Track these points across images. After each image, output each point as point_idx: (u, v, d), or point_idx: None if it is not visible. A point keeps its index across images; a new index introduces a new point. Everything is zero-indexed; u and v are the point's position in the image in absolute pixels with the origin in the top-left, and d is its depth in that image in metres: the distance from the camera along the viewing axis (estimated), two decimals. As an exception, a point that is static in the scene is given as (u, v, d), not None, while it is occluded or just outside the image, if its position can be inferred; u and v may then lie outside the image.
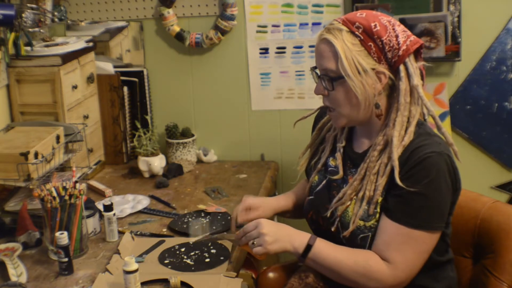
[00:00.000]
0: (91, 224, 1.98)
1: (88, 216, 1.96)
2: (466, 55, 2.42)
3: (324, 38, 1.53)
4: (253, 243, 1.59)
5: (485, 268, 1.66)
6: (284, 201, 1.89)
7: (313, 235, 1.58)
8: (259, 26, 2.63)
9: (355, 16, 1.53)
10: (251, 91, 2.70)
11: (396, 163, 1.48)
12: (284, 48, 2.63)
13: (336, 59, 1.51)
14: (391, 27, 1.52)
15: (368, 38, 1.50)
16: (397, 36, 1.51)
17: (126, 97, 2.73)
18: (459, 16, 2.38)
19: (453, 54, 2.42)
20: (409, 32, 1.55)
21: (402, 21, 2.38)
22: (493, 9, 2.39)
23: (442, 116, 2.50)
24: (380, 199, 1.53)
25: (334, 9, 2.53)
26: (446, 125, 2.50)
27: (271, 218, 1.83)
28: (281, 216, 1.94)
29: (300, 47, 2.60)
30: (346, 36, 1.51)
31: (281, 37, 2.62)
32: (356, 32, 1.50)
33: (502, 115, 2.46)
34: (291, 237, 1.57)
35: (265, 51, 2.64)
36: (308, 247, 1.55)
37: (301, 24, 2.59)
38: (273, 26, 2.62)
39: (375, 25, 1.50)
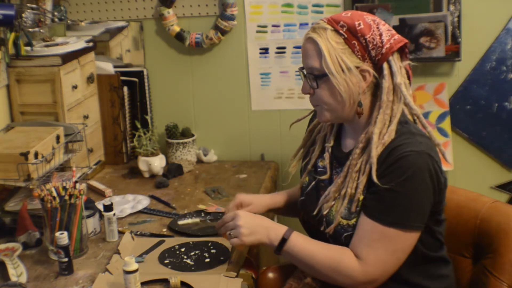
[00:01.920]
0: (91, 224, 1.98)
1: (88, 216, 1.96)
2: (466, 55, 2.42)
3: (309, 37, 1.55)
4: (229, 234, 1.61)
5: (485, 268, 1.66)
6: (278, 198, 1.90)
7: (290, 228, 1.59)
8: (259, 26, 2.63)
9: (340, 16, 1.55)
10: (251, 91, 2.70)
11: (374, 160, 1.48)
12: (284, 48, 2.63)
13: (320, 57, 1.52)
14: (375, 26, 1.52)
15: (352, 36, 1.51)
16: (381, 35, 1.51)
17: (126, 97, 2.73)
18: (459, 16, 2.38)
19: (453, 54, 2.42)
20: (393, 31, 1.56)
21: (402, 21, 2.39)
22: (493, 9, 2.39)
23: (442, 116, 2.50)
24: (361, 197, 1.53)
25: (334, 9, 2.53)
26: (446, 125, 2.50)
27: (271, 217, 1.83)
28: (276, 213, 1.95)
29: (300, 47, 2.59)
30: (331, 34, 1.52)
31: (281, 37, 2.62)
32: (340, 31, 1.51)
33: (502, 115, 2.46)
34: (267, 230, 1.59)
35: (265, 51, 2.64)
36: (283, 240, 1.56)
37: (301, 24, 2.59)
38: (273, 26, 2.62)
39: (359, 24, 1.51)
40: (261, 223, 1.61)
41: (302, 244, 1.56)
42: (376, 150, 1.50)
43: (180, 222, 2.04)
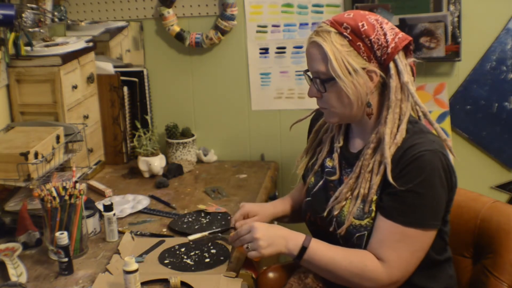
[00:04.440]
0: (91, 224, 1.98)
1: (88, 216, 1.96)
2: (466, 55, 2.42)
3: (314, 41, 1.54)
4: (247, 247, 1.59)
5: (485, 268, 1.66)
6: (281, 206, 1.89)
7: (308, 235, 1.58)
8: (259, 26, 2.63)
9: (342, 17, 1.54)
10: (251, 91, 2.70)
11: (388, 161, 1.49)
12: (284, 48, 2.63)
13: (326, 61, 1.51)
14: (379, 26, 1.52)
15: (357, 38, 1.51)
16: (385, 34, 1.51)
17: (126, 97, 2.73)
18: (459, 16, 2.38)
19: (453, 54, 2.42)
20: (397, 30, 1.56)
21: (402, 21, 2.39)
22: (493, 9, 2.39)
23: (442, 116, 2.50)
24: (375, 197, 1.53)
25: (334, 9, 2.53)
26: (446, 125, 2.50)
27: (271, 223, 1.83)
28: (280, 221, 1.94)
29: (300, 47, 2.60)
30: (335, 37, 1.51)
31: (281, 37, 2.62)
32: (344, 33, 1.51)
33: (502, 115, 2.46)
34: (285, 240, 1.57)
35: (265, 51, 2.64)
36: (303, 248, 1.55)
37: (301, 24, 2.59)
38: (273, 26, 2.62)
39: (363, 25, 1.51)
40: (278, 234, 1.58)
41: (322, 251, 1.54)
42: (389, 151, 1.50)
43: (191, 238, 1.88)
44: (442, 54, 2.39)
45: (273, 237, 1.57)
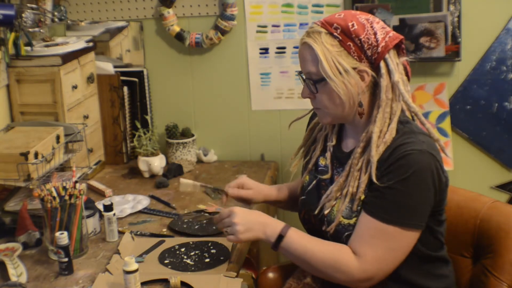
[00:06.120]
0: (91, 224, 1.98)
1: (88, 216, 1.96)
2: (466, 55, 2.42)
3: (305, 42, 1.55)
4: (226, 231, 1.62)
5: (485, 268, 1.66)
6: (277, 191, 1.91)
7: (287, 224, 1.59)
8: (259, 26, 2.63)
9: (333, 17, 1.55)
10: (251, 91, 2.70)
11: (373, 159, 1.49)
12: (284, 48, 2.63)
13: (317, 62, 1.52)
14: (369, 25, 1.52)
15: (347, 38, 1.51)
16: (375, 33, 1.51)
17: (126, 97, 2.73)
18: (459, 16, 2.38)
19: (453, 54, 2.42)
20: (388, 29, 1.55)
21: (402, 21, 2.39)
22: (493, 9, 2.39)
23: (442, 116, 2.50)
24: (362, 196, 1.53)
25: (334, 9, 2.53)
26: (446, 125, 2.50)
27: (272, 214, 1.83)
28: (275, 206, 1.98)
29: (300, 47, 2.60)
30: (325, 38, 1.52)
31: (281, 37, 2.62)
32: (335, 33, 1.51)
33: (502, 115, 2.46)
34: (264, 226, 1.59)
35: (265, 51, 2.64)
36: (280, 236, 1.56)
37: (301, 24, 2.59)
38: (273, 26, 2.62)
39: (353, 25, 1.51)
40: (257, 219, 1.61)
41: (299, 240, 1.56)
42: (377, 150, 1.50)
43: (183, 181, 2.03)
44: (442, 54, 2.40)
45: (252, 223, 1.60)
